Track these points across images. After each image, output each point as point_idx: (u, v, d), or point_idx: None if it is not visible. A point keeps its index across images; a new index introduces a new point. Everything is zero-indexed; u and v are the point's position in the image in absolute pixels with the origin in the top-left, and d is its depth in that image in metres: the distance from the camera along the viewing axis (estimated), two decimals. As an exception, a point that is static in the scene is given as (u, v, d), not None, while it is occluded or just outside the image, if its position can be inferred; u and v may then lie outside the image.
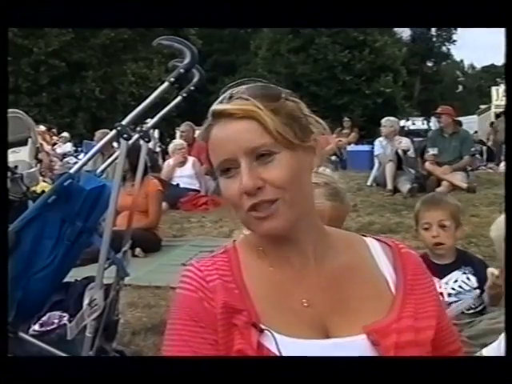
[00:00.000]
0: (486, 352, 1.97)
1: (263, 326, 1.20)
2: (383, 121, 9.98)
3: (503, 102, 14.49)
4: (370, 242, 1.38)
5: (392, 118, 10.41)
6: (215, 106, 1.27)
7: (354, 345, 1.23)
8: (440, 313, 1.35)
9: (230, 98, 1.26)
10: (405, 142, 9.75)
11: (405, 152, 9.29)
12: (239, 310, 1.22)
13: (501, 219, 1.81)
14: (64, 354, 2.79)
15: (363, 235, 1.41)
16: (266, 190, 1.20)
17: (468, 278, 3.18)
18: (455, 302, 3.16)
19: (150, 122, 3.49)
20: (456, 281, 3.19)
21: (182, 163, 9.20)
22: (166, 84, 2.84)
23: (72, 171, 2.88)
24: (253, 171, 1.20)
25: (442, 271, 3.17)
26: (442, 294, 3.16)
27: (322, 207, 2.27)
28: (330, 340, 1.24)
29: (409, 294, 1.31)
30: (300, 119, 1.27)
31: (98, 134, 9.69)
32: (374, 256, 1.35)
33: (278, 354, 1.18)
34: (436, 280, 3.13)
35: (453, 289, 3.16)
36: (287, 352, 1.19)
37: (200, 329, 1.22)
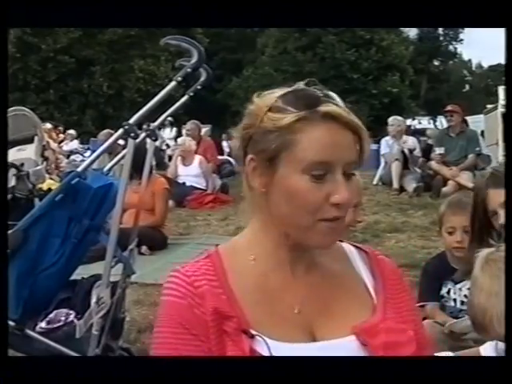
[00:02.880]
0: (483, 349, 1.98)
1: (254, 332, 1.19)
2: (390, 120, 9.95)
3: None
4: (348, 248, 1.40)
5: (399, 117, 10.40)
6: (329, 108, 1.20)
7: (343, 346, 1.23)
8: (415, 317, 1.38)
9: (320, 100, 1.21)
10: (411, 141, 9.73)
11: (411, 151, 9.27)
12: (229, 316, 1.20)
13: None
14: (70, 352, 2.80)
15: (340, 241, 1.40)
16: (343, 206, 1.21)
17: None
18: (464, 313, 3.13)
19: (157, 120, 3.50)
20: (469, 288, 3.14)
21: (188, 161, 9.20)
22: (173, 83, 2.85)
23: (79, 170, 2.89)
24: (347, 185, 1.20)
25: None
26: (454, 300, 3.15)
27: None
28: (321, 343, 1.24)
29: (388, 298, 1.33)
30: None
31: (101, 135, 9.71)
32: (353, 262, 1.37)
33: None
34: (451, 285, 3.13)
35: (465, 296, 3.03)
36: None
37: (192, 336, 1.20)
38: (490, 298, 1.71)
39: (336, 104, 1.22)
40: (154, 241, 6.28)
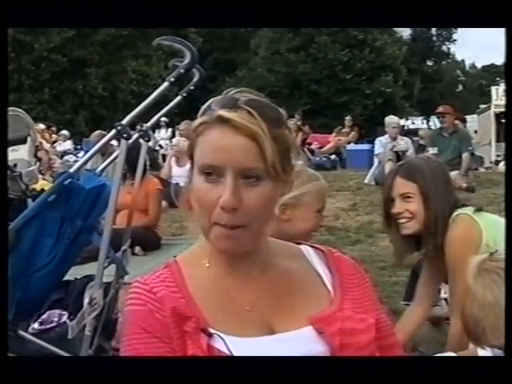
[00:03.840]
0: (481, 350, 1.98)
1: (212, 330, 1.22)
2: (388, 121, 9.95)
3: (503, 102, 14.48)
4: (305, 248, 1.42)
5: (395, 117, 10.43)
6: (222, 112, 1.21)
7: (300, 337, 1.26)
8: (377, 307, 1.39)
9: (236, 105, 1.22)
10: (404, 143, 9.74)
11: (403, 152, 9.29)
12: (188, 316, 1.23)
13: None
14: (63, 352, 2.80)
15: (298, 243, 1.45)
16: (240, 212, 1.20)
17: None
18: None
19: (150, 121, 3.50)
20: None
21: (182, 162, 9.19)
22: (165, 84, 2.85)
23: (72, 170, 2.89)
24: (236, 190, 1.19)
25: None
26: (445, 300, 3.18)
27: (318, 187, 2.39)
28: (277, 335, 1.27)
29: (346, 292, 1.35)
30: (290, 149, 1.27)
31: (93, 136, 9.69)
32: (309, 261, 1.40)
33: (228, 353, 1.20)
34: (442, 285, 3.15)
35: None
36: (237, 351, 1.21)
37: (155, 339, 1.23)
38: (482, 308, 1.71)
39: (229, 105, 1.22)
40: (148, 241, 6.27)
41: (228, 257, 1.30)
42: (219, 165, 1.20)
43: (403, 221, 2.57)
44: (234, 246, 1.24)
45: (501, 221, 2.88)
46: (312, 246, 1.44)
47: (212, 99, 1.27)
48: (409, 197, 2.56)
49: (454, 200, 2.68)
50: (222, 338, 1.21)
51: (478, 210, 2.67)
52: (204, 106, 1.27)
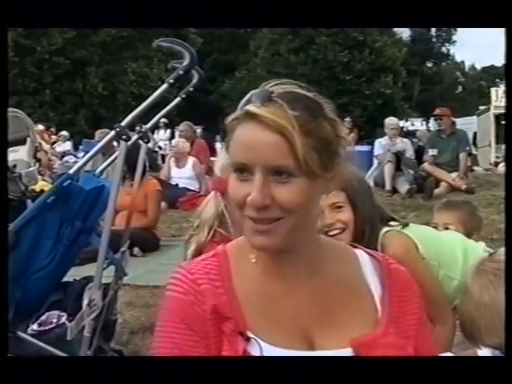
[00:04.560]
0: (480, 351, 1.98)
1: (250, 335, 1.20)
2: (387, 122, 9.94)
3: (502, 104, 14.48)
4: (360, 254, 1.36)
5: (394, 119, 10.43)
6: (250, 107, 1.18)
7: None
8: (421, 327, 1.33)
9: (270, 98, 1.17)
10: (399, 141, 9.72)
11: (402, 154, 9.28)
12: (227, 317, 1.21)
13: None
14: (62, 354, 2.80)
15: (354, 246, 1.39)
16: (273, 208, 1.16)
17: None
18: None
19: (150, 122, 3.50)
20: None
21: (181, 163, 9.19)
22: (165, 85, 2.85)
23: (71, 172, 2.89)
24: (265, 187, 1.15)
25: None
26: None
27: None
28: (315, 352, 1.23)
29: (394, 312, 1.29)
30: (332, 144, 1.21)
31: (97, 133, 9.69)
32: (363, 270, 1.33)
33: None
34: None
35: None
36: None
37: (191, 332, 1.21)
38: (478, 308, 1.70)
39: (261, 100, 1.17)
40: (147, 242, 6.28)
41: (274, 254, 1.25)
42: (248, 162, 1.16)
43: (335, 232, 2.42)
44: (268, 242, 1.18)
45: (430, 231, 2.87)
46: (369, 253, 1.37)
47: (252, 92, 1.22)
48: (339, 206, 2.43)
49: (380, 211, 2.61)
50: (259, 345, 1.19)
51: (405, 225, 2.59)
52: (243, 100, 1.22)
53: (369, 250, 1.38)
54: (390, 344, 1.24)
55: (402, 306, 1.30)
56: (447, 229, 3.15)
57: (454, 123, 9.70)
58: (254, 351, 1.19)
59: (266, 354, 1.19)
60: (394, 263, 1.36)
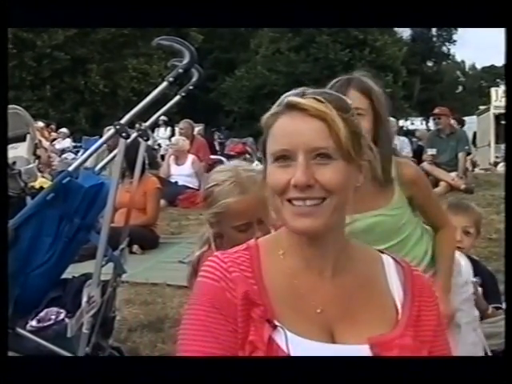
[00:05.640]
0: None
1: (277, 323, 1.26)
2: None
3: (502, 103, 14.47)
4: (386, 259, 1.42)
5: (392, 118, 10.41)
6: (290, 98, 1.29)
7: (357, 353, 1.27)
8: (437, 334, 1.37)
9: (303, 94, 1.29)
10: (398, 141, 9.71)
11: (398, 152, 9.28)
12: (257, 304, 1.27)
13: None
14: (61, 350, 2.81)
15: (381, 252, 1.45)
16: (316, 188, 1.24)
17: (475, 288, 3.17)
18: None
19: (149, 120, 3.50)
20: None
21: (181, 161, 9.20)
22: (164, 83, 2.85)
23: (71, 169, 2.89)
24: (308, 169, 1.23)
25: None
26: None
27: (224, 205, 2.22)
28: (336, 345, 1.29)
29: (413, 316, 1.35)
30: (360, 136, 1.31)
31: (105, 131, 9.67)
32: (387, 273, 1.40)
33: (286, 350, 1.24)
34: None
35: None
36: (295, 350, 1.24)
37: (221, 316, 1.26)
38: None
39: (298, 95, 1.28)
40: (146, 240, 6.28)
41: (302, 250, 1.32)
42: (290, 148, 1.25)
43: None
44: (311, 224, 1.25)
45: None
46: (394, 259, 1.43)
47: (285, 94, 1.32)
48: (360, 113, 2.31)
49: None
50: (284, 334, 1.25)
51: None
52: (274, 105, 1.32)
53: (394, 256, 1.45)
54: (406, 346, 1.29)
55: (421, 311, 1.36)
56: (467, 232, 3.24)
57: (461, 122, 9.68)
58: (279, 339, 1.25)
59: (289, 342, 1.24)
60: (416, 270, 1.44)
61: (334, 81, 2.55)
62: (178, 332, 1.31)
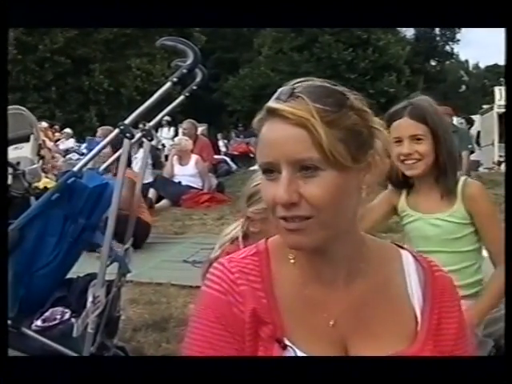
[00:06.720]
0: None
1: (287, 342, 1.19)
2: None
3: (506, 102, 14.42)
4: (406, 257, 1.32)
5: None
6: (270, 103, 1.16)
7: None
8: (457, 341, 1.29)
9: (291, 94, 1.14)
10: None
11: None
12: (265, 322, 1.19)
13: None
14: (66, 350, 2.81)
15: (401, 247, 1.34)
16: (301, 205, 1.12)
17: None
18: None
19: (153, 120, 3.51)
20: None
21: (184, 161, 9.20)
22: (168, 84, 2.86)
23: (75, 169, 2.90)
24: (292, 184, 1.12)
25: None
26: None
27: None
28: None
29: (433, 325, 1.26)
30: (360, 134, 1.17)
31: (100, 130, 9.68)
32: (405, 273, 1.29)
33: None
34: None
35: None
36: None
37: (227, 333, 1.20)
38: None
39: (283, 96, 1.15)
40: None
41: (311, 256, 1.22)
42: (273, 160, 1.13)
43: (410, 162, 2.54)
44: (301, 241, 1.14)
45: None
46: (415, 257, 1.31)
47: (278, 90, 1.19)
48: (419, 139, 2.52)
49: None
50: (295, 354, 1.18)
51: None
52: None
53: (415, 253, 1.34)
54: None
55: (441, 318, 1.27)
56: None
57: (470, 121, 9.67)
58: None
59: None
60: (438, 270, 1.32)
61: (392, 110, 2.60)
62: (182, 346, 1.25)
